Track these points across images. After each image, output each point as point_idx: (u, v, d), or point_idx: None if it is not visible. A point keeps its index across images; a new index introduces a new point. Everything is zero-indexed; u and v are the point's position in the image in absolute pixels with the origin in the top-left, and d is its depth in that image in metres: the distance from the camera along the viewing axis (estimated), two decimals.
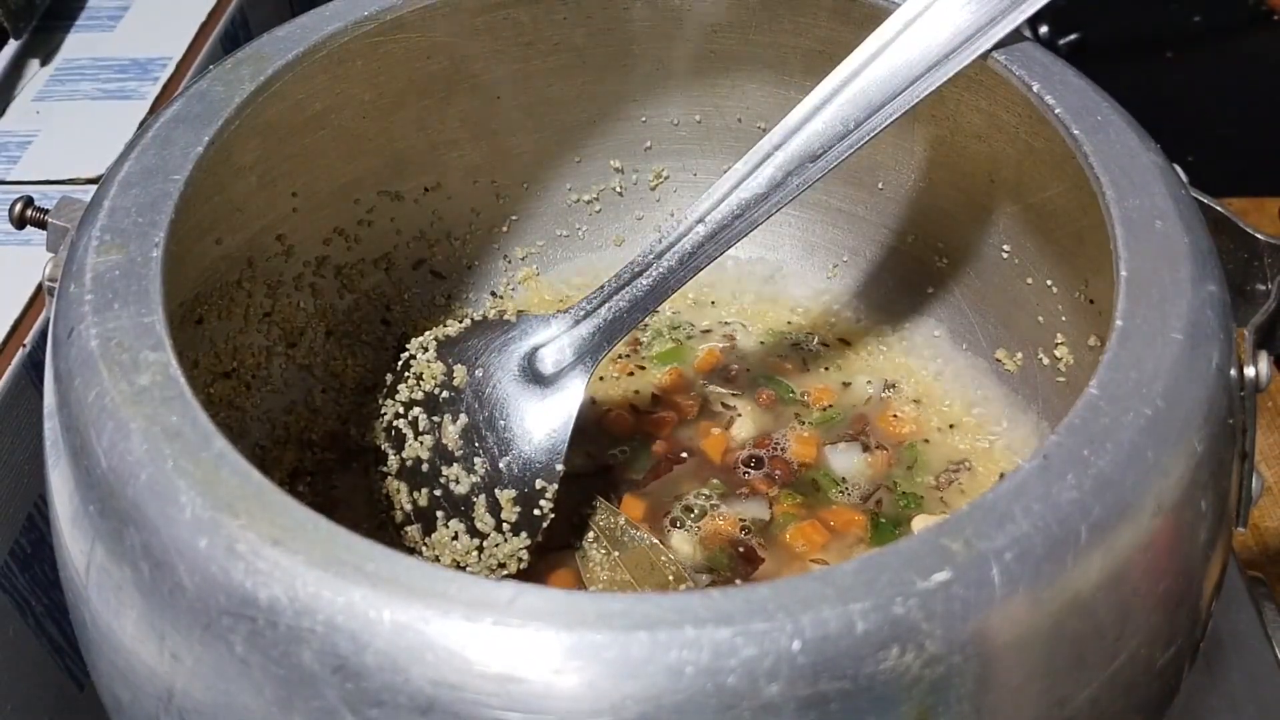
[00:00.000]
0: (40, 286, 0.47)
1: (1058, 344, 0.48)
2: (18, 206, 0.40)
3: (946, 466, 0.49)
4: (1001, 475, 0.49)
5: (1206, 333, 0.34)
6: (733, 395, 0.52)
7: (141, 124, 0.47)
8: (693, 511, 0.47)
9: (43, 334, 0.47)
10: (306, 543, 0.29)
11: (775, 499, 0.48)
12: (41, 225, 0.40)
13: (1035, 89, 0.41)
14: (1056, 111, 0.40)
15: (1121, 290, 0.34)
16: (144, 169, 0.38)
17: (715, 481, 0.48)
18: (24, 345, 0.46)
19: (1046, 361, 0.49)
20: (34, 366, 0.46)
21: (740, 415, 0.51)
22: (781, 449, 0.50)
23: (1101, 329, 0.46)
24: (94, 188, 0.39)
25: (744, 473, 0.49)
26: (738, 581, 0.45)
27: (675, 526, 0.47)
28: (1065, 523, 0.29)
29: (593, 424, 0.50)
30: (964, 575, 0.28)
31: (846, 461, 0.49)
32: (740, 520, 0.47)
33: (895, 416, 0.51)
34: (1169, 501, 0.31)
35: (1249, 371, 0.35)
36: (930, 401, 0.52)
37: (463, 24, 0.49)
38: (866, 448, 0.50)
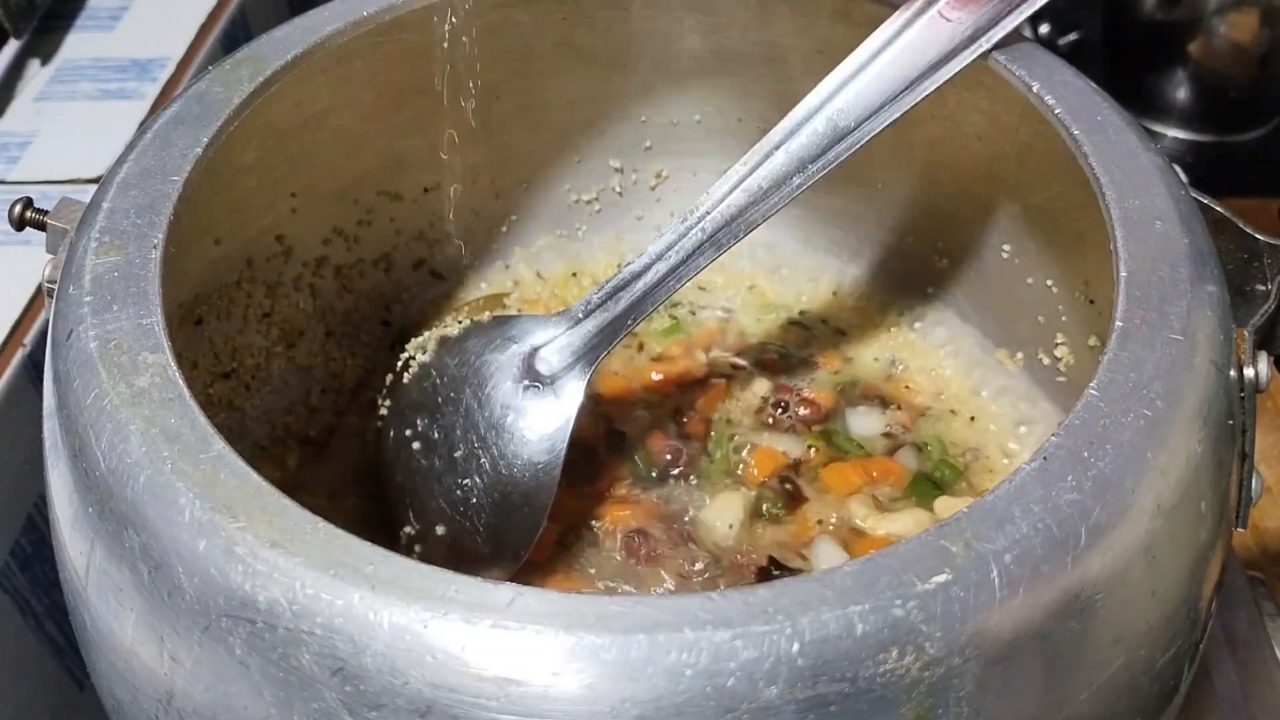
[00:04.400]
0: (40, 286, 0.47)
1: (1058, 344, 0.48)
2: (17, 208, 0.40)
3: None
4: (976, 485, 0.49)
5: (1206, 333, 0.34)
6: (738, 356, 0.52)
7: (141, 124, 0.47)
8: (734, 438, 0.48)
9: (42, 334, 0.47)
10: (305, 545, 0.29)
11: (806, 436, 0.48)
12: (41, 226, 0.40)
13: (1035, 89, 0.41)
14: (1056, 111, 0.40)
15: (1121, 291, 0.34)
16: (143, 170, 0.38)
17: (746, 421, 0.49)
18: (24, 345, 0.46)
19: (1047, 361, 0.49)
20: (34, 366, 0.46)
21: (752, 374, 0.51)
22: (801, 393, 0.50)
23: (1102, 329, 0.46)
24: (94, 188, 0.39)
25: (770, 416, 0.49)
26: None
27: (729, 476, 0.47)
28: (1065, 524, 0.29)
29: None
30: (963, 577, 0.28)
31: (866, 425, 0.49)
32: (783, 453, 0.47)
33: (908, 388, 0.51)
34: (1169, 503, 0.31)
35: (1248, 372, 0.35)
36: (928, 399, 0.52)
37: (462, 24, 0.49)
38: (885, 408, 0.50)
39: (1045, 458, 0.30)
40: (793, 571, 0.44)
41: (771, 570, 0.44)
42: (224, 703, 0.29)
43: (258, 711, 0.29)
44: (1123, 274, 0.35)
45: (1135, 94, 0.82)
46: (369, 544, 0.29)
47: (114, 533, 0.31)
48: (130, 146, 0.39)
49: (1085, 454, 0.30)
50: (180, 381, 0.32)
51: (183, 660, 0.30)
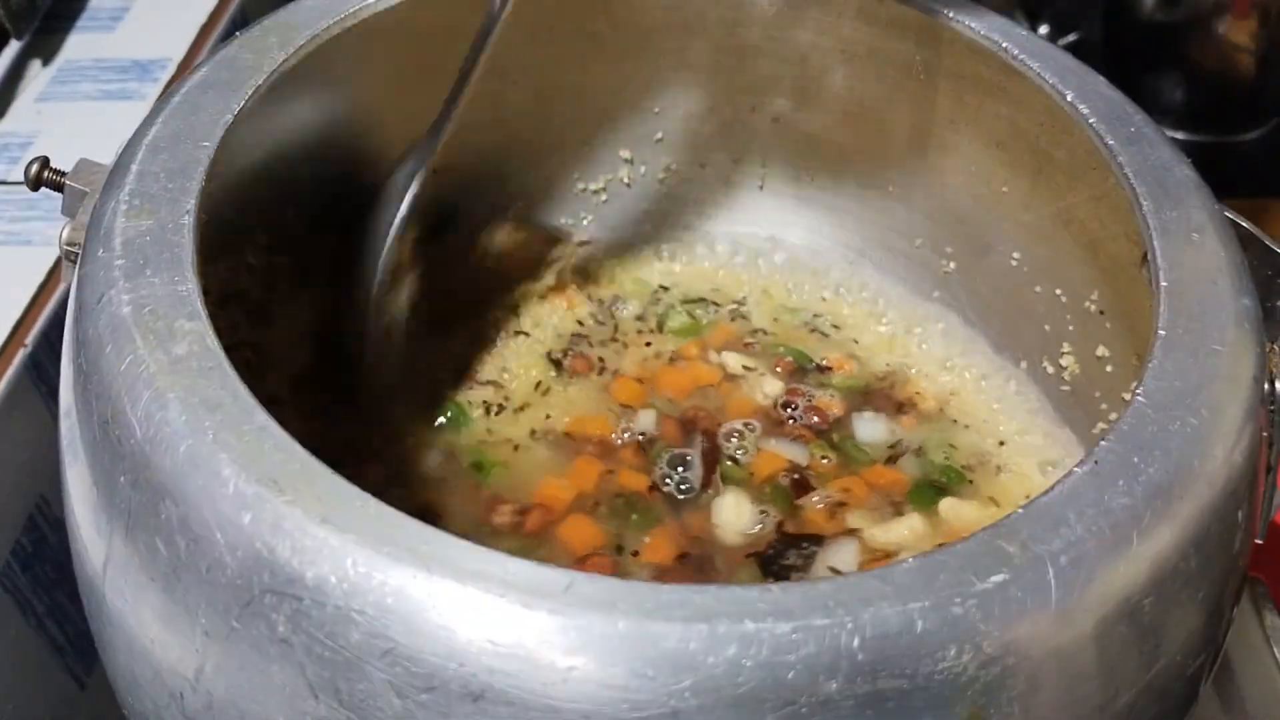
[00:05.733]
0: (42, 287, 0.46)
1: (1064, 353, 0.49)
2: (34, 167, 0.39)
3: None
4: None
5: (1245, 345, 0.34)
6: (751, 358, 0.52)
7: (165, 90, 0.46)
8: (743, 442, 0.48)
9: (44, 333, 0.46)
10: (356, 522, 0.28)
11: (811, 444, 0.48)
12: (58, 188, 0.39)
13: (1069, 98, 0.41)
14: (1091, 122, 0.40)
15: (1163, 300, 0.35)
16: (172, 133, 0.37)
17: (755, 423, 0.49)
18: (25, 345, 0.45)
19: (1051, 370, 0.50)
20: (35, 367, 0.46)
21: (764, 375, 0.51)
22: (811, 400, 0.50)
23: (1110, 340, 0.46)
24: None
25: (780, 418, 0.49)
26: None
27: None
28: (1118, 528, 0.29)
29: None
30: (1021, 577, 0.28)
31: (873, 430, 0.49)
32: (789, 460, 0.47)
33: (918, 394, 0.52)
34: (1212, 510, 0.31)
35: (1278, 386, 0.36)
36: (925, 400, 0.52)
37: (481, 6, 0.48)
38: (893, 414, 0.50)
39: (1096, 461, 0.30)
40: (798, 541, 0.45)
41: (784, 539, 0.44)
42: (261, 680, 0.29)
43: (296, 690, 0.28)
44: (1163, 284, 0.35)
45: (1134, 95, 0.82)
46: (422, 523, 0.28)
47: (149, 504, 0.30)
48: (157, 109, 0.38)
49: (1135, 459, 0.31)
50: (219, 350, 0.32)
51: (217, 636, 0.29)
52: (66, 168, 0.39)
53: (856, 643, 0.27)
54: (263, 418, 0.30)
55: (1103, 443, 0.31)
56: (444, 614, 0.27)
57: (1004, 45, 0.43)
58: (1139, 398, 0.32)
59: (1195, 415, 0.32)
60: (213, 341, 0.32)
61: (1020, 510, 0.29)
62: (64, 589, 0.34)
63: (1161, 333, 0.34)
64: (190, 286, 0.33)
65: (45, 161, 0.39)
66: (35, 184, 0.39)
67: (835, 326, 0.54)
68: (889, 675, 0.27)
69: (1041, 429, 0.50)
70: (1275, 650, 0.44)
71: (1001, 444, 0.50)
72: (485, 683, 0.27)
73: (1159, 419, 0.31)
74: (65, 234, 0.38)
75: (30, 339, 0.46)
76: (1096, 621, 0.29)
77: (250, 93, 0.39)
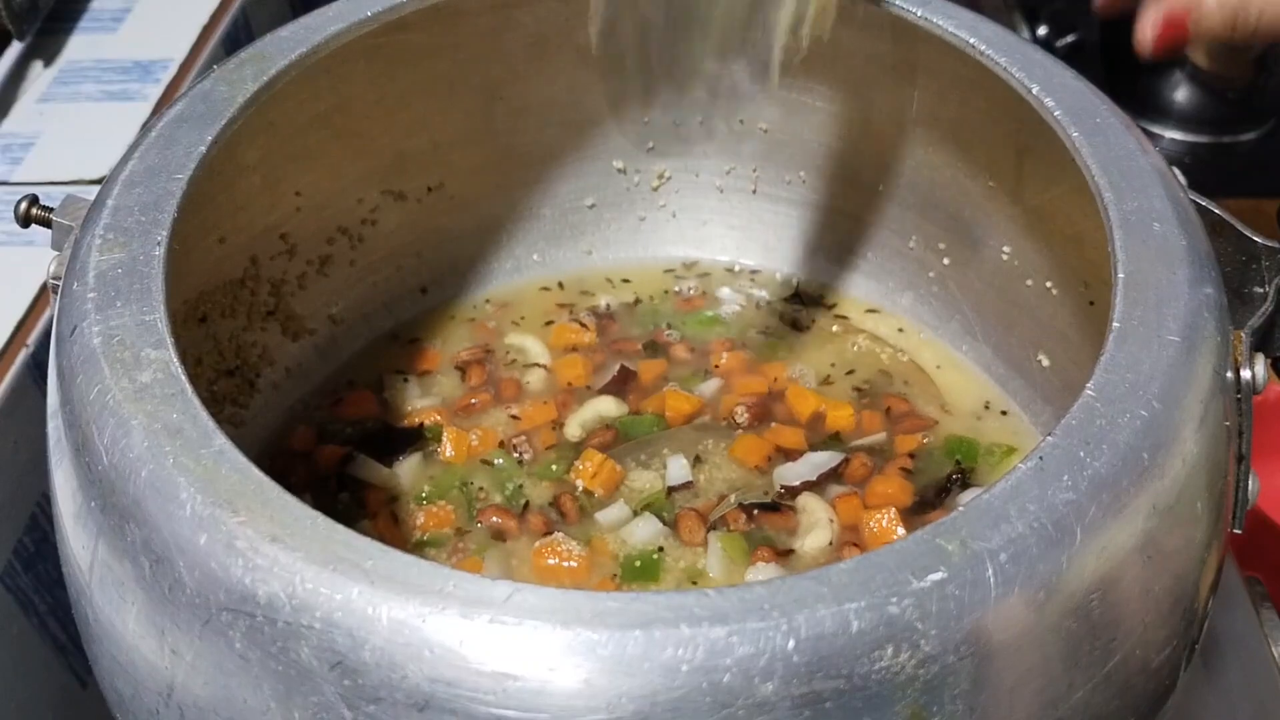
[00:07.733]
0: (43, 287, 0.47)
1: (1056, 345, 0.49)
2: (23, 205, 0.40)
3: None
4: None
5: (1203, 335, 0.34)
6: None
7: (145, 124, 0.48)
8: None
9: (46, 334, 0.47)
10: (305, 540, 0.29)
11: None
12: (46, 224, 0.40)
13: (1035, 91, 0.41)
14: (1056, 114, 0.40)
15: (1119, 292, 0.34)
16: (147, 168, 0.38)
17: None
18: (27, 345, 0.46)
19: (1047, 363, 0.49)
20: (37, 366, 0.46)
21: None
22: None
23: (1101, 331, 0.46)
24: (98, 188, 0.39)
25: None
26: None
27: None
28: (1060, 524, 0.29)
29: None
30: (959, 575, 0.28)
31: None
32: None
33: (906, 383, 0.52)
34: (1164, 503, 0.31)
35: (1245, 374, 0.35)
36: (927, 400, 0.52)
37: (465, 25, 0.49)
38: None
39: (1041, 457, 0.30)
40: None
41: None
42: (224, 696, 0.30)
43: (257, 704, 0.29)
44: (1120, 275, 0.35)
45: (1132, 95, 0.82)
46: (368, 539, 0.29)
47: (116, 527, 0.31)
48: (135, 145, 0.40)
49: (1081, 454, 0.30)
50: (183, 377, 0.33)
51: (183, 654, 0.30)
52: (69, 168, 0.40)
53: (791, 644, 0.27)
54: (221, 441, 0.31)
55: (1049, 438, 0.31)
56: (387, 626, 0.28)
57: (970, 41, 0.43)
58: (1088, 391, 0.32)
59: (1146, 408, 0.31)
60: (176, 368, 0.33)
61: (961, 508, 0.29)
62: (66, 586, 0.35)
63: (1116, 325, 0.34)
64: (158, 316, 0.34)
65: (34, 199, 0.41)
66: (24, 221, 0.40)
67: (830, 322, 0.54)
68: (825, 676, 0.27)
69: (1037, 422, 0.50)
70: (1275, 650, 0.44)
71: (997, 438, 0.50)
72: (428, 693, 0.28)
73: (1108, 412, 0.31)
74: (52, 268, 0.39)
75: (32, 339, 0.47)
76: (1040, 618, 0.29)
77: (224, 125, 0.40)
